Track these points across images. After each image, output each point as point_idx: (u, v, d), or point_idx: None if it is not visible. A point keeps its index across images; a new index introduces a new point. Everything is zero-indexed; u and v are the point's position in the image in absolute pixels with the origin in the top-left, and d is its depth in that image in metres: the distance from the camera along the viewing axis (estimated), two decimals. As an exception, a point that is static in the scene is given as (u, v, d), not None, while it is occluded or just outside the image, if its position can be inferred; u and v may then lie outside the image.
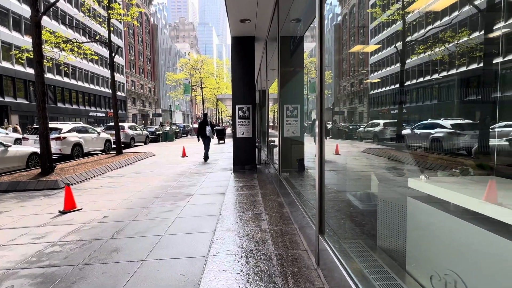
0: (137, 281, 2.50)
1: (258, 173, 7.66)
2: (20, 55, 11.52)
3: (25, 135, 12.58)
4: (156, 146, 19.13)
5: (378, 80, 3.53)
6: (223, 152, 13.68)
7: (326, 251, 2.35)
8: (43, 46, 10.42)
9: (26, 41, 26.61)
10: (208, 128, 10.71)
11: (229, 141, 20.86)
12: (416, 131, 2.70)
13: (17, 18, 26.66)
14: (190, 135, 35.97)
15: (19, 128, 20.11)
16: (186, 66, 39.92)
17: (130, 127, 19.76)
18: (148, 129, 24.49)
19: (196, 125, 39.87)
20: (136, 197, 5.55)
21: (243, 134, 8.00)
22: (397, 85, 3.18)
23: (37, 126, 12.96)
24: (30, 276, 2.68)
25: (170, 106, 25.51)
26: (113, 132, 18.24)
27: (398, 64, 3.16)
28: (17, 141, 18.24)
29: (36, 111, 7.79)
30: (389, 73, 3.36)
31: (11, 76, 25.79)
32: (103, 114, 41.14)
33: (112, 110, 43.94)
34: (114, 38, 39.81)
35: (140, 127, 22.15)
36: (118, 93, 44.60)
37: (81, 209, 4.86)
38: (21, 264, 2.92)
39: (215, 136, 19.53)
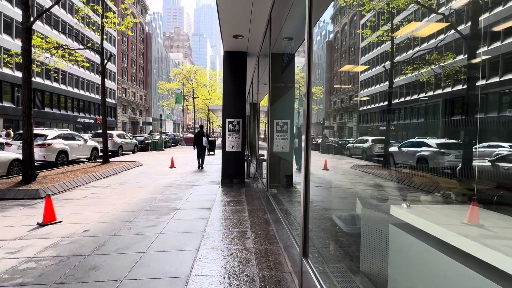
0: (114, 303, 2.41)
1: (246, 187, 7.61)
2: (8, 59, 11.31)
3: (8, 141, 12.22)
4: (144, 155, 18.87)
5: (367, 97, 3.61)
6: (212, 164, 13.58)
7: (309, 274, 2.32)
8: (33, 50, 10.30)
9: (16, 45, 26.21)
10: (204, 139, 11.68)
11: (218, 152, 20.76)
12: (403, 148, 2.73)
13: (8, 21, 26.34)
14: (180, 144, 35.68)
15: (11, 133, 19.56)
16: (179, 76, 40.00)
17: (119, 135, 19.49)
18: (137, 138, 24.19)
19: (188, 135, 39.65)
20: (120, 209, 5.41)
21: (232, 147, 7.98)
22: (386, 103, 3.24)
23: (21, 131, 12.65)
24: (0, 295, 2.55)
25: (161, 115, 25.39)
26: (101, 139, 17.96)
27: (387, 83, 3.27)
28: (0, 146, 17.71)
29: (21, 117, 7.61)
30: (378, 91, 3.44)
31: (-2, 79, 25.24)
32: (92, 121, 40.49)
33: (101, 117, 43.46)
34: (107, 45, 39.65)
35: (129, 135, 21.86)
36: (109, 99, 44.12)
37: (61, 221, 4.70)
38: (-8, 282, 2.77)
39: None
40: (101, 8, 12.74)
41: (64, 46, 12.38)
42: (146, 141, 24.60)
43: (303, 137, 2.57)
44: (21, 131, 12.62)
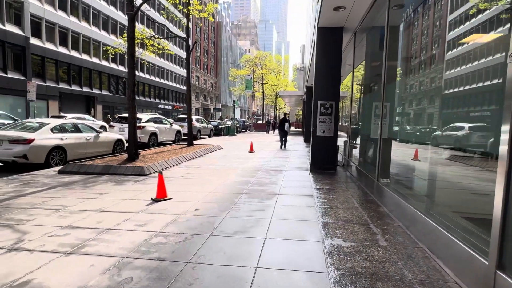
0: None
1: (339, 175, 7.06)
2: (111, 51, 12.58)
3: (111, 123, 13.78)
4: (220, 139, 19.60)
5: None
6: (288, 150, 13.28)
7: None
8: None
9: (111, 39, 29.61)
10: (286, 124, 14.22)
11: (290, 139, 20.35)
12: None
13: (105, 19, 29.81)
14: (249, 130, 36.45)
15: (110, 119, 22.52)
16: (248, 62, 40.46)
17: (197, 120, 20.60)
18: (212, 123, 25.35)
19: (258, 121, 40.27)
20: (221, 191, 5.44)
21: (323, 132, 7.46)
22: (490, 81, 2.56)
23: (121, 115, 14.15)
24: (145, 268, 2.59)
25: (234, 101, 26.03)
26: (183, 124, 19.20)
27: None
28: (101, 128, 20.39)
29: (127, 101, 8.31)
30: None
31: (97, 70, 28.98)
32: (170, 107, 44.08)
33: (178, 104, 46.97)
34: (182, 35, 42.20)
35: (205, 120, 23.00)
36: (183, 86, 47.32)
37: (171, 198, 4.89)
38: (133, 253, 2.88)
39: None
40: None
41: (155, 36, 13.25)
42: (220, 126, 25.65)
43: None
44: (121, 115, 14.11)
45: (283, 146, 14.14)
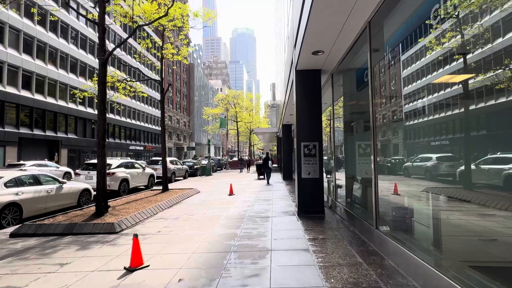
0: None
1: (328, 220, 6.69)
2: (79, 94, 11.97)
3: (77, 171, 12.68)
4: (196, 181, 18.78)
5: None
6: (269, 190, 12.85)
7: None
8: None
9: (80, 82, 28.79)
10: (270, 162, 16.45)
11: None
12: (482, 166, 2.51)
13: (73, 62, 29.18)
14: (225, 168, 35.73)
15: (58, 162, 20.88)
16: (222, 101, 40.97)
17: (172, 162, 19.76)
18: (186, 163, 24.49)
19: (232, 159, 39.86)
20: (204, 249, 4.81)
21: (309, 174, 7.20)
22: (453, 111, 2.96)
23: (88, 162, 13.12)
24: None
25: (209, 140, 25.60)
26: (156, 167, 18.29)
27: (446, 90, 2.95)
28: (66, 175, 18.81)
29: (96, 148, 7.62)
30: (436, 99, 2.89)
31: (64, 113, 27.62)
32: (141, 148, 42.58)
33: (150, 144, 45.58)
34: (155, 77, 42.15)
35: (180, 161, 22.19)
36: (155, 127, 46.38)
37: (148, 266, 4.18)
38: None
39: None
40: (161, 41, 13.22)
41: (127, 79, 12.89)
42: (195, 166, 24.82)
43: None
44: (88, 162, 13.09)
45: (268, 182, 16.28)
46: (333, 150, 8.20)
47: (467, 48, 2.75)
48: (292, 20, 8.18)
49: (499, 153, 2.47)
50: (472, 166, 2.70)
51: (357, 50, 5.69)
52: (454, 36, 2.95)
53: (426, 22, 3.34)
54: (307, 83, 7.36)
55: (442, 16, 3.10)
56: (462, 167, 2.86)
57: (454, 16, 2.93)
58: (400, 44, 4.08)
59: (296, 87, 7.42)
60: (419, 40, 3.53)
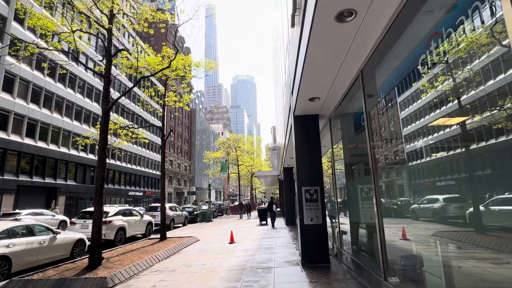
0: None
1: (334, 270, 6.33)
2: (81, 141, 12.20)
3: (73, 219, 12.40)
4: (196, 228, 18.20)
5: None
6: (272, 237, 12.38)
7: None
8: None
9: (83, 129, 29.52)
10: (274, 206, 17.62)
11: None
12: (492, 207, 2.46)
13: (78, 110, 30.25)
14: (226, 214, 34.83)
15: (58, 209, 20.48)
16: (223, 145, 41.50)
17: (171, 208, 19.36)
18: (186, 209, 23.96)
19: (234, 203, 39.13)
20: (202, 307, 4.48)
21: (311, 220, 7.00)
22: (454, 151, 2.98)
23: (85, 210, 12.88)
24: None
25: (209, 184, 25.40)
26: (154, 213, 17.85)
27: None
28: (61, 224, 18.33)
29: (94, 196, 7.53)
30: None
31: (65, 160, 27.84)
32: (141, 193, 42.08)
33: (150, 189, 45.11)
34: (157, 123, 43.33)
35: (179, 207, 21.76)
36: (155, 172, 46.34)
37: (140, 327, 3.87)
38: None
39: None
40: (164, 89, 13.84)
41: (129, 126, 13.23)
42: (195, 212, 24.24)
43: None
44: (85, 210, 12.85)
45: (273, 225, 16.96)
46: (336, 194, 8.07)
47: (460, 90, 2.84)
48: (288, 68, 8.64)
49: (506, 193, 2.41)
50: (481, 208, 2.61)
51: (352, 96, 5.92)
52: (447, 80, 3.07)
53: (417, 68, 3.53)
54: (305, 127, 7.52)
55: (430, 64, 3.28)
56: (471, 209, 2.75)
57: (443, 61, 3.09)
58: (393, 90, 4.25)
59: (295, 132, 7.57)
60: (413, 84, 3.70)
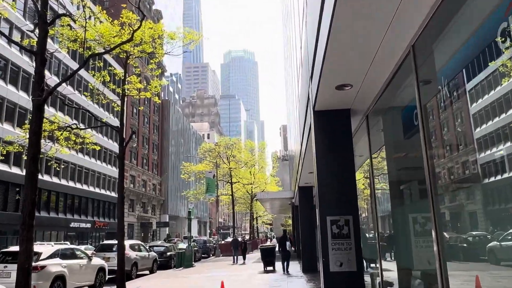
0: None
1: None
2: (1, 149, 12.28)
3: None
4: (170, 277, 18.20)
5: None
6: (291, 278, 12.36)
7: None
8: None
9: (5, 130, 29.67)
10: (288, 243, 17.44)
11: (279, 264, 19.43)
12: None
13: (-2, 101, 30.45)
14: (213, 255, 34.77)
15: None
16: (210, 153, 41.66)
17: (133, 247, 19.39)
18: (155, 249, 23.98)
19: (225, 240, 39.11)
20: None
21: (341, 265, 6.97)
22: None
23: (5, 250, 12.90)
24: None
25: (190, 211, 25.43)
26: (108, 255, 17.86)
27: None
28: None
29: (19, 230, 7.55)
30: None
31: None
32: (88, 225, 42.11)
33: (101, 219, 45.20)
34: (114, 121, 43.48)
35: (145, 245, 21.77)
36: (109, 193, 46.45)
37: None
38: None
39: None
40: (123, 72, 13.96)
41: (72, 126, 13.31)
42: (168, 253, 24.25)
43: None
44: (5, 250, 12.88)
45: (286, 270, 17.13)
46: (376, 226, 8.05)
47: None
48: (306, 41, 8.71)
49: None
50: None
51: (399, 82, 5.93)
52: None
53: (495, 40, 3.54)
54: (331, 128, 7.54)
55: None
56: None
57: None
58: (460, 73, 4.27)
59: (315, 135, 7.59)
60: (489, 64, 3.70)
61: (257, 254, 31.86)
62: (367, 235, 9.47)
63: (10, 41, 6.49)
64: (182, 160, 69.46)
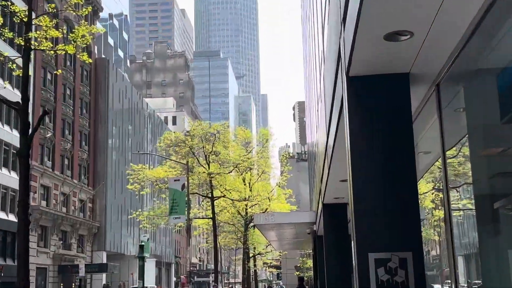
0: None
1: None
2: None
3: None
4: None
5: None
6: None
7: None
8: None
9: None
10: None
11: None
12: None
13: None
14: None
15: None
16: (177, 147, 41.70)
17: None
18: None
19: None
20: None
21: (395, 332, 7.16)
22: None
23: None
24: None
25: (142, 244, 25.58)
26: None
27: None
28: None
29: None
30: None
31: None
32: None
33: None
34: (12, 94, 43.48)
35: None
36: (6, 216, 46.57)
37: None
38: None
39: None
40: (27, 11, 13.89)
41: None
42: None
43: None
44: None
45: None
46: (454, 270, 8.15)
47: None
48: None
49: None
50: None
51: (493, 28, 5.94)
52: None
53: None
54: (376, 105, 7.62)
55: None
56: None
57: None
58: None
59: (349, 117, 7.65)
60: None
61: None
62: (439, 287, 9.65)
63: None
64: (129, 161, 69.62)
